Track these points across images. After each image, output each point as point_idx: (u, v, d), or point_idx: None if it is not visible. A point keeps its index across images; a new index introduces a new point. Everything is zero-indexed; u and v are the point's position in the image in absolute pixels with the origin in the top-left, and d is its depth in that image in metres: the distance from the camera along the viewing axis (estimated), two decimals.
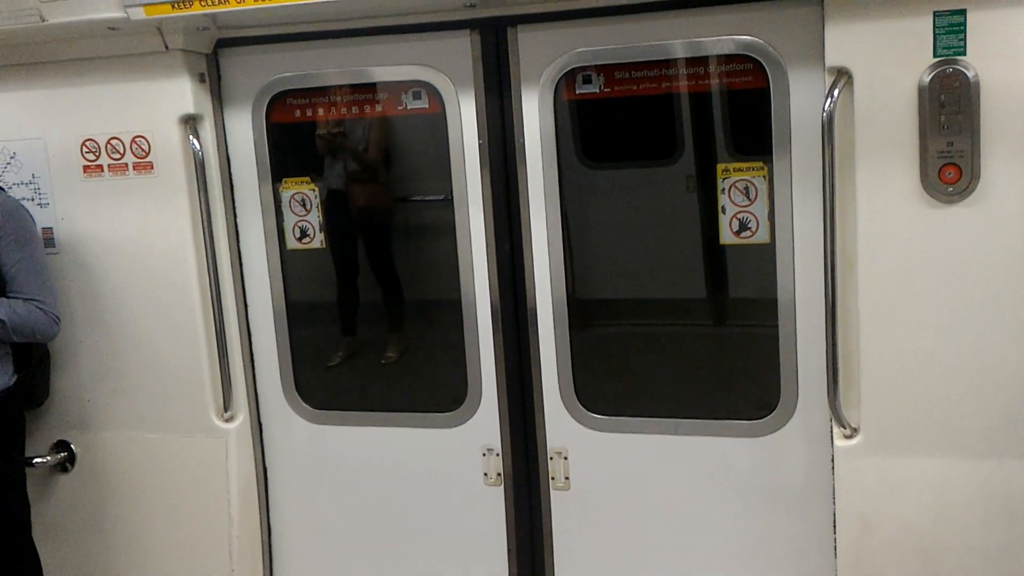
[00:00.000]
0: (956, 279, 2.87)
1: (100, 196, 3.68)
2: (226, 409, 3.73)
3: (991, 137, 2.78)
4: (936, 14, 2.77)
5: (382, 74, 3.56)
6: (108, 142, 3.63)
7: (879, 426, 3.02)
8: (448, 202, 3.58)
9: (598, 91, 3.37)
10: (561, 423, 3.57)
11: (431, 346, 4.05)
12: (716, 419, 3.42)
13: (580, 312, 3.61)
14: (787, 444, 3.33)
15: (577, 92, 3.39)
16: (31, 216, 3.57)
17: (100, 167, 3.66)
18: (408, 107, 3.61)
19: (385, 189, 4.10)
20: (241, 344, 3.81)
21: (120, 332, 3.75)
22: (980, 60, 2.75)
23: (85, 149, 3.66)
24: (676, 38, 3.22)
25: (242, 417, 3.79)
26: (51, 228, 3.73)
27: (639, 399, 3.65)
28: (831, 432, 3.14)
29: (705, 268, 3.68)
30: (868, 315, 2.96)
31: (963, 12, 2.75)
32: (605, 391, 3.63)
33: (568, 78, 3.36)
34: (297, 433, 3.87)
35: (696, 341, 3.83)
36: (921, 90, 2.80)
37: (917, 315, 2.92)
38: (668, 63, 3.29)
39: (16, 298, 3.44)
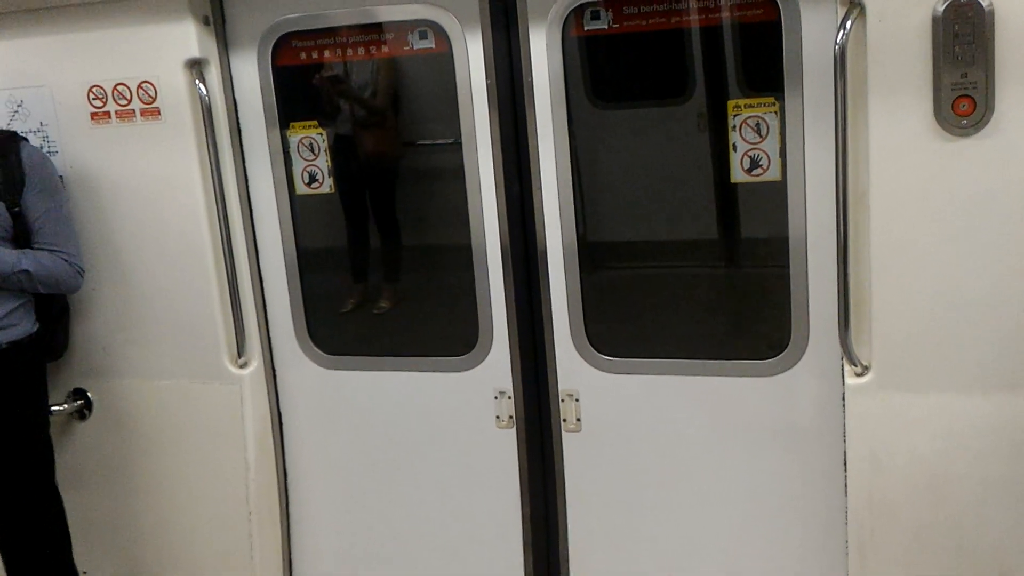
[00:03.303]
0: (969, 213, 2.83)
1: (108, 143, 3.67)
2: (240, 355, 3.75)
3: (1005, 68, 2.72)
4: None
5: (388, 13, 3.51)
6: (115, 88, 3.61)
7: (890, 363, 3.00)
8: (456, 145, 3.55)
9: (607, 27, 3.32)
10: (572, 365, 3.57)
11: (442, 291, 4.05)
12: (727, 359, 3.41)
13: (591, 254, 3.59)
14: (798, 383, 3.32)
15: (585, 28, 3.34)
16: (55, 167, 3.58)
17: (107, 114, 3.64)
18: (414, 47, 3.56)
19: (393, 133, 4.08)
20: (253, 290, 3.82)
21: (132, 280, 3.77)
22: None
23: (92, 96, 3.64)
24: None
25: (256, 363, 3.81)
26: (60, 176, 3.72)
27: (650, 341, 3.65)
28: (842, 370, 3.13)
29: (716, 208, 3.65)
30: (880, 251, 2.93)
31: None
32: (616, 333, 3.63)
33: (576, 14, 3.31)
34: (311, 378, 3.89)
35: (707, 282, 3.81)
36: (935, 20, 2.74)
37: (929, 250, 2.89)
38: None
39: (42, 249, 3.46)
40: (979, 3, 2.70)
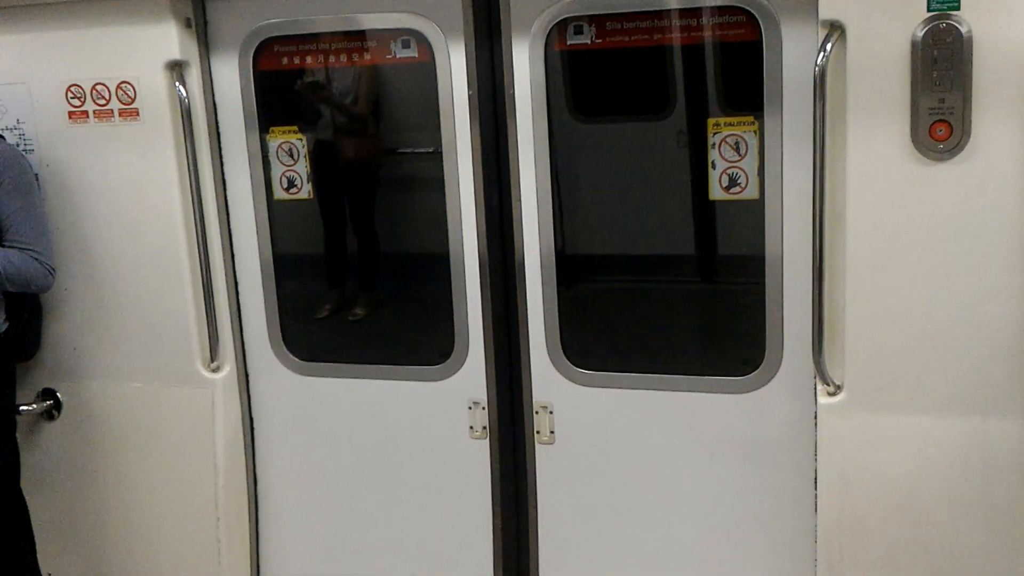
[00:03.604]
0: (944, 237, 2.86)
1: (85, 143, 3.64)
2: (212, 359, 3.73)
3: (983, 94, 2.75)
4: None
5: (371, 21, 3.51)
6: (93, 87, 3.58)
7: (863, 383, 3.02)
8: (437, 154, 3.55)
9: (589, 42, 3.33)
10: (547, 377, 3.57)
11: (418, 300, 4.05)
12: (701, 375, 3.42)
13: (568, 267, 3.60)
14: (771, 401, 3.34)
15: (568, 43, 3.35)
16: (29, 165, 3.54)
17: (85, 113, 3.62)
18: (397, 56, 3.56)
19: (373, 140, 4.07)
20: (228, 294, 3.79)
21: (106, 281, 3.73)
22: (974, 15, 2.72)
23: (70, 95, 3.61)
24: None
25: (228, 367, 3.78)
26: (36, 175, 3.68)
27: (625, 354, 3.66)
28: (815, 389, 3.15)
29: (694, 224, 3.67)
30: (855, 272, 2.95)
31: None
32: (591, 346, 3.63)
33: (559, 28, 3.32)
34: (284, 384, 3.87)
35: (683, 297, 3.83)
36: (914, 45, 2.77)
37: (904, 273, 2.91)
38: (661, 14, 3.25)
39: (12, 247, 3.42)
40: (958, 29, 2.73)
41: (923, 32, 2.75)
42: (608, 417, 3.54)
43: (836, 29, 2.84)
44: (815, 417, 3.16)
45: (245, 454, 3.90)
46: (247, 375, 3.89)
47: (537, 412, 3.61)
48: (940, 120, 2.78)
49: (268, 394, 3.90)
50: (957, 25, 2.72)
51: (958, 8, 2.72)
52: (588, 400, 3.55)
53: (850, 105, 2.86)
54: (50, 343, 3.86)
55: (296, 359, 3.84)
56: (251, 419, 3.93)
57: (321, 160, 3.84)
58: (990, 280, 2.85)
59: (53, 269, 3.52)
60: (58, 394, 3.91)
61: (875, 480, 3.06)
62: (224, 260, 3.76)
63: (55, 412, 3.92)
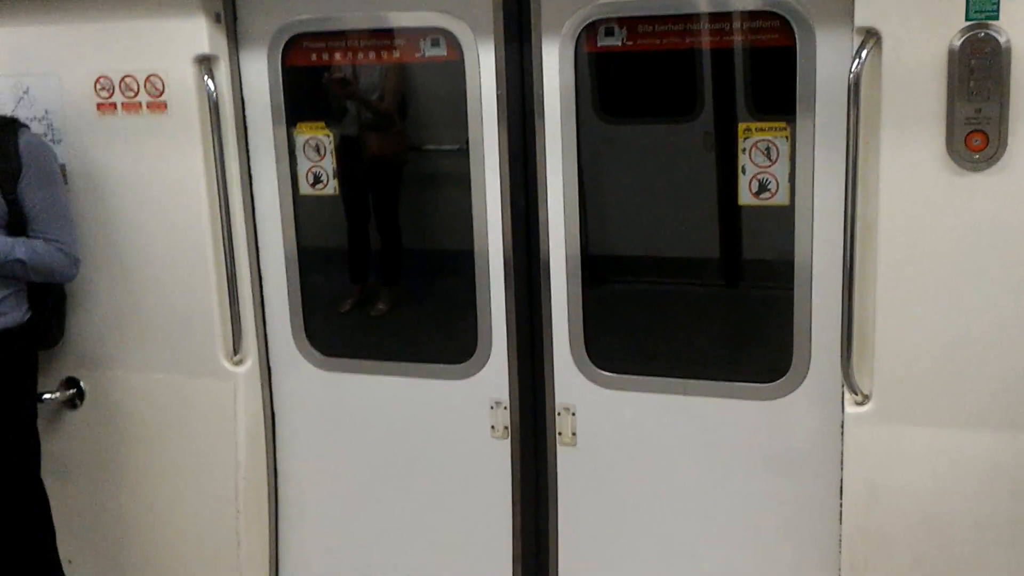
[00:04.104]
0: (978, 249, 2.82)
1: (113, 134, 3.65)
2: (235, 352, 3.73)
3: (1020, 105, 2.71)
4: None
5: (401, 19, 3.50)
6: (122, 80, 3.59)
7: (891, 394, 2.99)
8: (463, 152, 3.53)
9: (620, 44, 3.31)
10: (570, 379, 3.56)
11: (441, 297, 4.04)
12: (727, 381, 3.40)
13: (593, 268, 3.58)
14: (797, 409, 3.31)
15: (599, 45, 3.33)
16: (55, 155, 3.56)
17: (114, 105, 3.63)
18: (426, 54, 3.55)
19: (399, 137, 4.06)
20: (252, 288, 3.80)
21: (130, 272, 3.75)
22: (1013, 26, 2.68)
23: (99, 86, 3.62)
24: None
25: (251, 361, 3.79)
26: (63, 165, 3.70)
27: (650, 357, 3.63)
28: (842, 398, 3.12)
29: (721, 227, 3.65)
30: (886, 282, 2.92)
31: None
32: (616, 348, 3.61)
33: (590, 30, 3.30)
34: (306, 379, 3.87)
35: (710, 301, 3.81)
36: (951, 54, 2.73)
37: (936, 284, 2.88)
38: (693, 17, 3.22)
39: (37, 238, 3.43)
40: (996, 39, 2.69)
41: (961, 41, 2.71)
42: (631, 421, 3.52)
43: (872, 36, 2.81)
44: (842, 427, 3.13)
45: (266, 448, 3.91)
46: (269, 369, 3.90)
47: (559, 414, 3.60)
48: (976, 130, 2.75)
49: (290, 388, 3.91)
50: (996, 35, 2.69)
51: (997, 18, 2.69)
52: (611, 403, 3.53)
53: (884, 113, 2.83)
54: (74, 332, 3.88)
55: (319, 354, 3.84)
56: (272, 413, 3.93)
57: (346, 155, 3.83)
58: (1022, 295, 2.81)
59: (77, 260, 3.54)
60: (81, 383, 3.93)
61: (901, 493, 3.03)
62: (249, 254, 3.77)
63: (78, 401, 3.94)
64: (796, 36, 3.05)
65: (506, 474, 3.70)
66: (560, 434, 3.61)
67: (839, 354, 3.03)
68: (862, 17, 2.81)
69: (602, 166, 3.69)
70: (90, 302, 3.82)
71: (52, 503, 3.76)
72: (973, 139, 2.75)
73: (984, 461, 2.93)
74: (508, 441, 3.67)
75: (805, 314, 3.23)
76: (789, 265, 3.23)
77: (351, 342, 3.97)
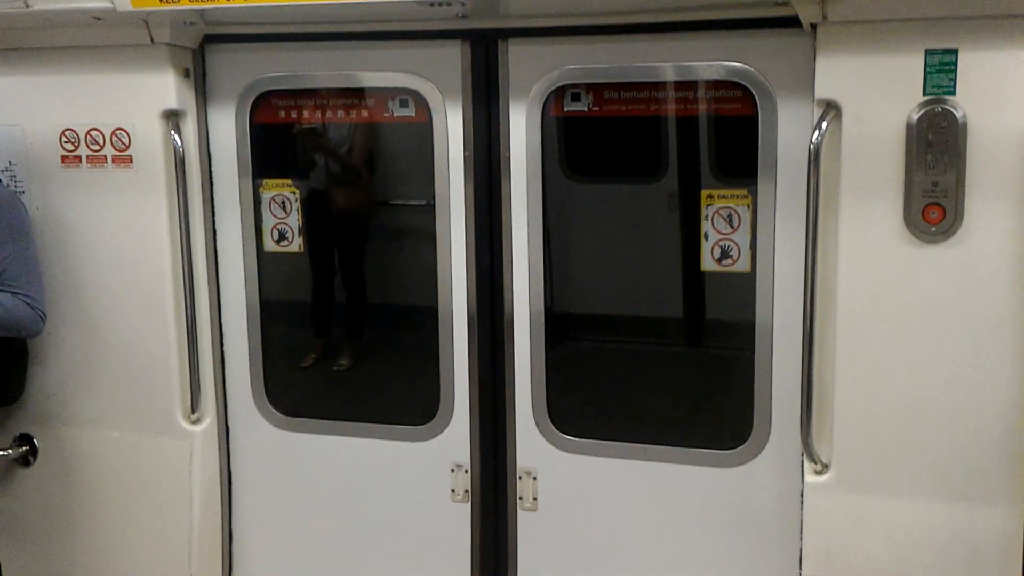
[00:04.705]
0: (935, 320, 2.85)
1: (77, 187, 3.62)
2: (193, 411, 3.67)
3: (976, 179, 2.77)
4: (928, 52, 2.75)
5: (370, 80, 3.52)
6: (88, 133, 3.57)
7: (850, 463, 3.00)
8: (429, 207, 3.53)
9: (586, 109, 3.35)
10: (532, 442, 3.53)
11: (404, 353, 4.01)
12: (688, 447, 3.39)
13: (557, 326, 3.58)
14: (758, 476, 3.30)
15: (565, 109, 3.36)
16: (25, 208, 3.51)
17: (78, 158, 3.60)
18: (395, 114, 3.57)
19: (366, 192, 4.06)
20: (212, 345, 3.75)
21: (89, 326, 3.70)
22: (969, 101, 2.74)
23: (64, 139, 3.60)
24: (667, 61, 3.20)
25: (209, 419, 3.73)
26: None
27: (612, 421, 3.62)
28: (802, 466, 3.12)
29: (685, 288, 3.66)
30: (845, 351, 2.94)
31: (955, 52, 2.73)
32: (578, 411, 3.61)
33: (557, 94, 3.34)
34: (265, 438, 3.82)
35: (672, 362, 3.80)
36: (909, 128, 2.78)
37: (894, 354, 2.90)
38: (658, 85, 3.28)
39: (4, 291, 3.38)
40: (953, 113, 2.75)
41: (919, 115, 2.77)
42: (593, 485, 3.50)
43: (832, 108, 2.86)
44: (801, 495, 3.12)
45: (221, 509, 3.83)
46: (227, 427, 3.84)
47: (521, 478, 3.57)
48: (933, 203, 2.79)
49: (248, 448, 3.85)
50: (952, 110, 2.75)
51: (954, 93, 2.75)
52: (573, 467, 3.51)
53: (844, 184, 2.87)
54: (32, 387, 3.80)
55: (278, 413, 3.79)
56: (229, 473, 3.87)
57: (314, 209, 3.83)
58: (980, 365, 2.84)
59: (44, 315, 3.48)
60: (35, 440, 3.84)
61: (860, 562, 3.02)
62: (210, 310, 3.73)
63: (31, 458, 3.86)
64: (758, 106, 3.10)
65: (466, 538, 3.66)
66: (521, 498, 3.58)
67: (799, 422, 3.04)
68: (822, 89, 2.86)
69: (568, 225, 3.71)
70: (50, 356, 3.76)
71: (3, 563, 3.66)
72: (930, 211, 2.80)
73: (941, 532, 2.93)
74: (468, 505, 3.63)
75: (766, 382, 3.24)
76: (751, 329, 3.25)
77: (311, 401, 3.93)
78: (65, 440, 3.80)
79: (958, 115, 2.74)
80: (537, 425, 3.51)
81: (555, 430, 3.51)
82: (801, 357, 2.99)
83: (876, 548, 3.00)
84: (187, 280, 3.57)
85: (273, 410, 3.79)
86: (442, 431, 3.61)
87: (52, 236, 3.66)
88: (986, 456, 2.86)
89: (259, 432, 3.81)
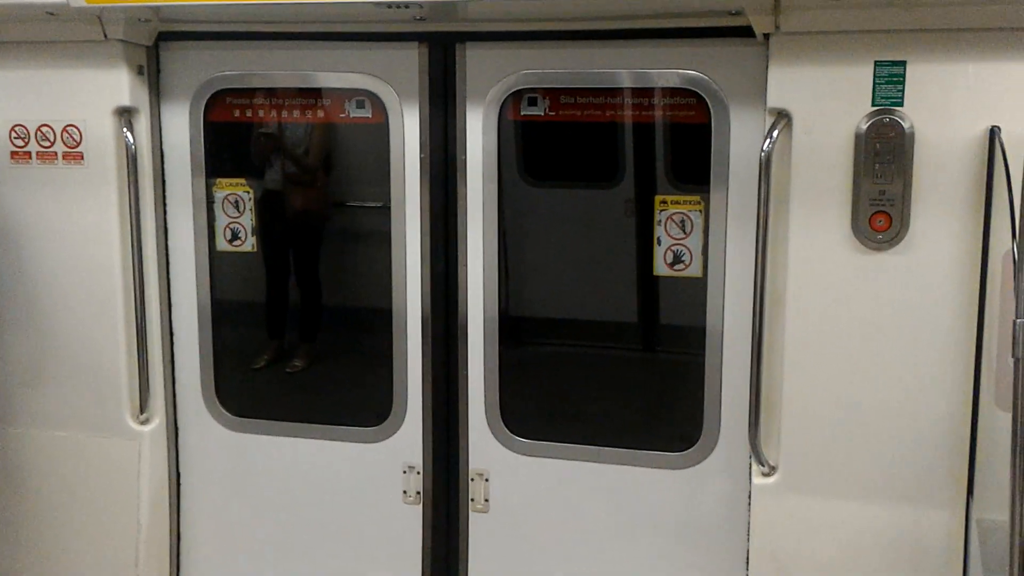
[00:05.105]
0: (881, 325, 2.91)
1: (26, 184, 3.57)
2: (142, 411, 3.63)
3: (922, 188, 2.83)
4: (877, 64, 2.82)
5: (327, 80, 3.52)
6: (38, 129, 3.52)
7: (797, 465, 3.05)
8: (386, 209, 3.53)
9: (543, 114, 3.37)
10: (484, 444, 3.54)
11: (358, 355, 4.00)
12: (638, 449, 3.42)
13: (511, 329, 3.59)
14: (707, 478, 3.34)
15: (522, 113, 3.38)
16: None
17: (28, 154, 3.55)
18: (351, 115, 3.56)
19: (322, 193, 4.05)
20: (162, 345, 3.71)
21: (37, 325, 3.64)
22: (916, 112, 2.81)
23: (14, 135, 3.55)
24: (623, 67, 3.23)
25: (158, 420, 3.69)
26: None
27: (564, 423, 3.64)
28: (750, 469, 3.16)
29: (638, 294, 3.69)
30: (793, 355, 2.99)
31: (903, 64, 2.80)
32: (530, 413, 3.62)
33: (514, 98, 3.35)
34: (214, 440, 3.78)
35: (625, 365, 3.83)
36: (858, 137, 2.84)
37: (841, 358, 2.96)
38: (613, 91, 3.31)
39: None
40: (900, 124, 2.81)
41: (867, 125, 2.83)
42: (544, 487, 3.51)
43: (783, 117, 2.91)
44: (750, 497, 3.17)
45: (169, 510, 3.79)
46: (176, 428, 3.80)
47: (473, 479, 3.57)
48: (880, 211, 2.85)
49: (197, 449, 3.81)
50: (900, 120, 2.81)
51: (902, 104, 2.81)
52: (525, 469, 3.52)
53: (793, 191, 2.92)
54: None
55: (228, 414, 3.76)
56: (178, 474, 3.83)
57: (269, 208, 3.81)
58: (925, 370, 2.90)
59: None
60: None
61: (806, 564, 3.07)
62: (161, 309, 3.69)
63: None
64: (711, 113, 3.15)
65: (417, 540, 3.65)
66: (473, 500, 3.59)
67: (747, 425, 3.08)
68: (774, 98, 2.91)
69: (524, 229, 3.72)
70: None
71: None
72: (877, 219, 2.85)
73: (886, 533, 2.99)
74: (420, 507, 3.63)
75: (715, 385, 3.28)
76: (702, 334, 3.29)
77: (263, 402, 3.90)
78: (11, 440, 3.74)
79: (905, 125, 2.81)
80: (490, 427, 3.52)
81: (508, 432, 3.52)
82: (750, 361, 3.03)
83: (821, 550, 3.05)
84: (137, 279, 3.53)
85: (223, 411, 3.76)
86: (394, 432, 3.60)
87: (0, 233, 3.60)
88: (930, 458, 2.93)
89: (209, 433, 3.78)
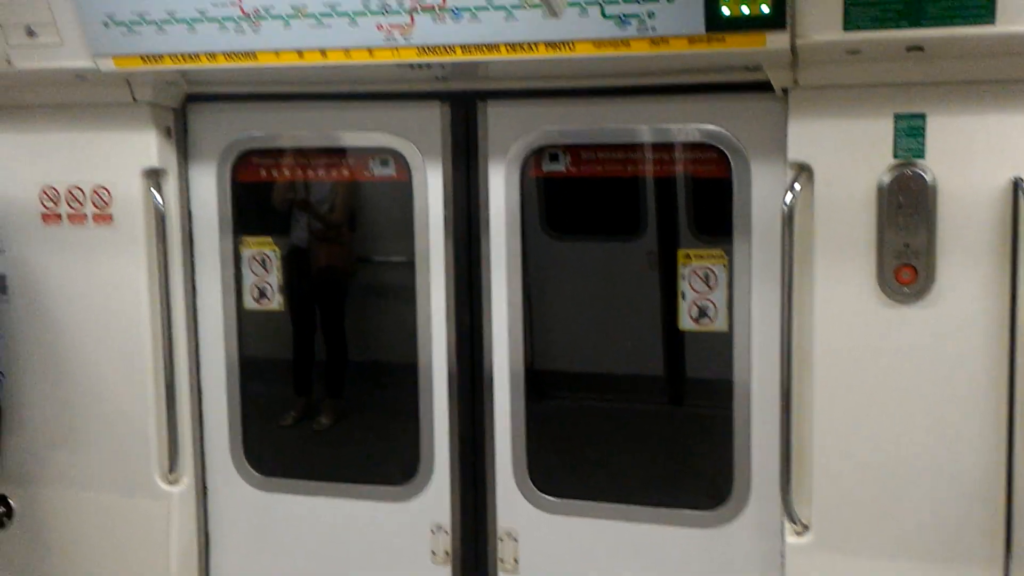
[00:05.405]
0: (910, 379, 2.87)
1: (57, 245, 3.62)
2: (171, 471, 3.64)
3: (947, 240, 2.81)
4: (897, 116, 2.81)
5: (351, 139, 3.56)
6: (68, 191, 3.58)
7: (830, 524, 2.99)
8: (410, 264, 3.55)
9: (564, 170, 3.38)
10: (513, 503, 3.51)
11: (385, 411, 3.99)
12: (669, 507, 3.37)
13: (537, 383, 3.57)
14: (739, 536, 3.29)
15: (544, 169, 3.40)
16: None
17: (59, 216, 3.61)
18: (375, 173, 3.60)
19: (347, 249, 4.08)
20: (191, 405, 3.73)
21: (67, 385, 3.67)
22: (938, 164, 2.79)
23: (45, 196, 3.61)
24: (643, 123, 3.24)
25: (187, 480, 3.69)
26: (4, 275, 3.65)
27: (593, 481, 3.60)
28: (782, 527, 3.11)
29: (664, 348, 3.67)
30: (822, 411, 2.95)
31: (923, 116, 2.79)
32: (559, 471, 3.59)
33: (536, 155, 3.37)
34: (243, 499, 3.77)
35: (652, 420, 3.80)
36: (880, 190, 2.83)
37: (871, 414, 2.91)
38: (635, 147, 3.32)
39: None
40: (922, 176, 2.79)
41: (889, 178, 2.82)
42: (575, 547, 3.46)
43: (804, 170, 2.90)
44: (782, 556, 3.11)
45: (199, 572, 3.77)
46: (205, 488, 3.80)
47: (502, 539, 3.53)
48: (905, 264, 2.82)
49: (226, 509, 3.80)
50: (922, 172, 2.79)
51: (923, 156, 2.80)
52: (554, 528, 3.48)
53: (818, 244, 2.90)
54: (8, 446, 3.75)
55: (256, 474, 3.76)
56: (207, 534, 3.82)
57: (295, 266, 3.84)
58: (957, 424, 2.85)
59: (2, 373, 3.45)
60: (10, 500, 3.79)
61: None
62: (190, 369, 3.71)
63: (6, 519, 3.79)
64: (732, 167, 3.15)
65: None
66: (502, 560, 3.54)
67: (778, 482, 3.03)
68: (794, 152, 2.91)
69: (548, 283, 3.73)
70: (23, 414, 3.72)
71: None
72: (903, 272, 2.83)
73: None
74: (449, 567, 3.59)
75: (745, 442, 3.24)
76: (729, 387, 3.26)
77: (290, 461, 3.90)
78: (41, 501, 3.75)
79: (927, 178, 2.79)
80: (518, 485, 3.49)
81: (536, 490, 3.48)
82: (779, 417, 3.00)
83: None
84: (166, 338, 3.56)
85: (252, 470, 3.76)
86: (422, 491, 3.58)
87: (31, 293, 3.66)
88: (965, 514, 2.87)
89: (238, 493, 3.77)
